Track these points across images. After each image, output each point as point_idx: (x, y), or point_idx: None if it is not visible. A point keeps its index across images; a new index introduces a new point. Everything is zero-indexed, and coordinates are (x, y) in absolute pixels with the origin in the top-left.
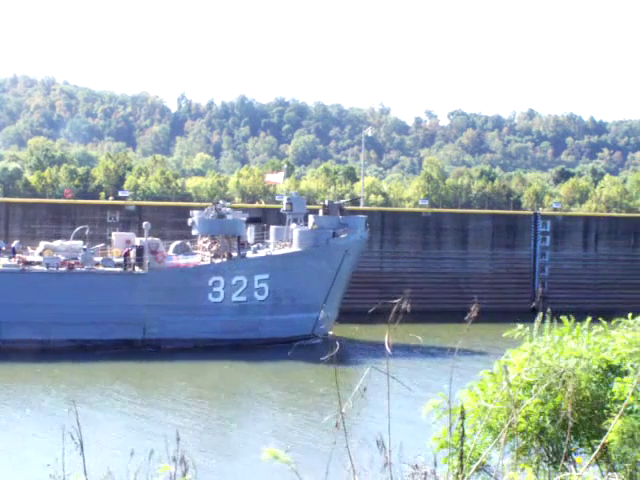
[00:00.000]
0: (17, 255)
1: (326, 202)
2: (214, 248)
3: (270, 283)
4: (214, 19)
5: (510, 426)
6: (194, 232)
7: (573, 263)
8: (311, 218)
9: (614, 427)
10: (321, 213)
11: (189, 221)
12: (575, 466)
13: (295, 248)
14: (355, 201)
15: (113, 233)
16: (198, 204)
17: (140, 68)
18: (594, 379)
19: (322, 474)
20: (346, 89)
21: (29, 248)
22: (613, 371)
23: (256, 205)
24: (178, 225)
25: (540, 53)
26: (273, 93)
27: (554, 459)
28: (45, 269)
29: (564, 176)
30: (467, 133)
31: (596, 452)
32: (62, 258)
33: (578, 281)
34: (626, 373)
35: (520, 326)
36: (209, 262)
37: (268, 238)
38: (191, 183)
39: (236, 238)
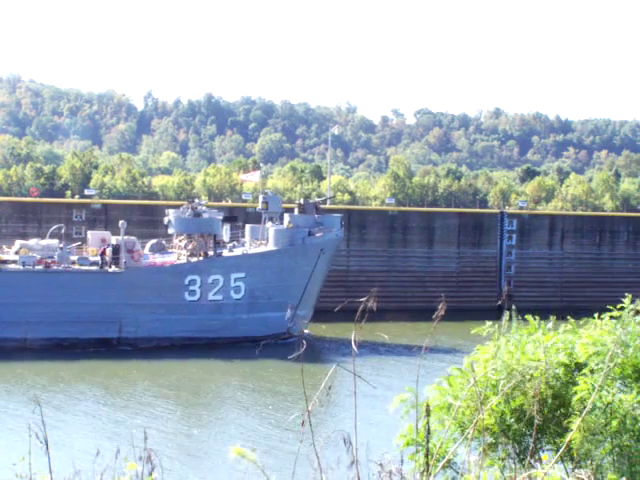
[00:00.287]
0: None
1: (302, 201)
2: (190, 247)
3: (246, 282)
4: (180, 17)
5: (477, 423)
6: (170, 231)
7: (539, 261)
8: (287, 217)
9: (577, 426)
10: (297, 212)
11: (165, 220)
12: (541, 463)
13: (271, 247)
14: (331, 200)
15: (88, 232)
16: (165, 202)
17: (106, 66)
18: (559, 377)
19: (289, 473)
20: (313, 88)
21: (4, 247)
22: (579, 369)
23: (230, 204)
24: (144, 223)
25: (506, 52)
26: (240, 92)
27: (520, 456)
28: (21, 268)
29: (530, 175)
30: (433, 132)
31: (562, 450)
32: (38, 257)
33: (544, 279)
34: (591, 372)
35: (489, 323)
36: (185, 261)
37: (243, 237)
38: (158, 181)
39: (212, 237)
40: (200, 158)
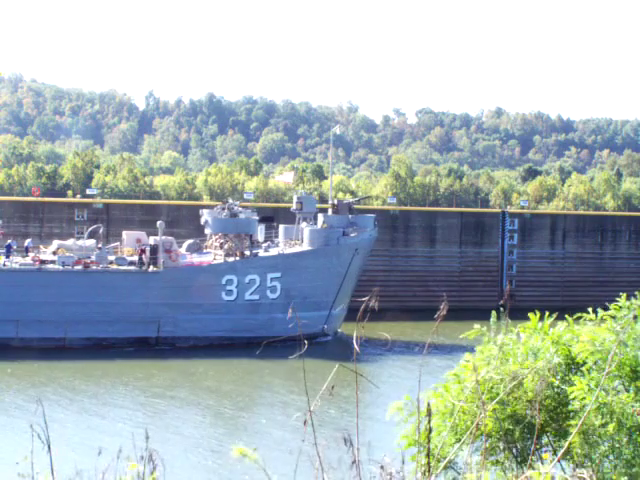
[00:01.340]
0: (29, 254)
1: (335, 201)
2: (226, 247)
3: (282, 282)
4: (182, 17)
5: (477, 425)
6: (207, 231)
7: (540, 261)
8: (321, 217)
9: (575, 426)
10: (330, 212)
11: (202, 220)
12: (542, 463)
13: (306, 247)
14: (364, 201)
15: (124, 232)
16: (167, 202)
17: (108, 66)
18: (557, 377)
19: (290, 472)
20: (314, 87)
21: (41, 247)
22: (576, 369)
23: (263, 204)
24: (146, 223)
25: (508, 52)
26: (241, 91)
27: (519, 458)
28: (61, 268)
29: (532, 174)
30: (435, 131)
31: (563, 449)
32: (75, 257)
33: (545, 279)
34: (588, 371)
35: (477, 326)
36: (222, 261)
37: (277, 237)
38: (159, 181)
39: (249, 237)
40: (202, 158)
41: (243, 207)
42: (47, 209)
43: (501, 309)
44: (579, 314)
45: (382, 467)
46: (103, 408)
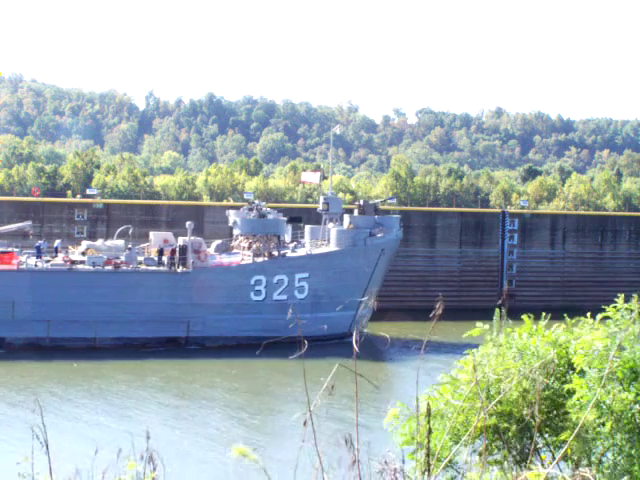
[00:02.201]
0: (59, 254)
1: (361, 202)
2: (254, 247)
3: (310, 282)
4: (182, 17)
5: (477, 424)
6: (235, 232)
7: (541, 261)
8: (347, 218)
9: (572, 426)
10: (356, 213)
11: (230, 221)
12: (542, 463)
13: (333, 247)
14: (391, 201)
15: (151, 232)
16: (167, 202)
17: (108, 66)
18: (556, 377)
19: (290, 472)
20: (314, 87)
21: (70, 247)
22: (573, 369)
23: (289, 205)
24: (146, 223)
25: (508, 52)
26: (241, 91)
27: (519, 457)
28: (91, 268)
29: (532, 174)
30: (435, 131)
31: (564, 449)
32: (104, 257)
33: (545, 279)
34: (583, 372)
35: (479, 324)
36: (251, 261)
37: (302, 237)
38: (159, 181)
39: (277, 237)
40: (202, 158)
41: (271, 208)
42: (47, 209)
43: (502, 309)
44: (578, 318)
45: (386, 462)
46: (119, 407)
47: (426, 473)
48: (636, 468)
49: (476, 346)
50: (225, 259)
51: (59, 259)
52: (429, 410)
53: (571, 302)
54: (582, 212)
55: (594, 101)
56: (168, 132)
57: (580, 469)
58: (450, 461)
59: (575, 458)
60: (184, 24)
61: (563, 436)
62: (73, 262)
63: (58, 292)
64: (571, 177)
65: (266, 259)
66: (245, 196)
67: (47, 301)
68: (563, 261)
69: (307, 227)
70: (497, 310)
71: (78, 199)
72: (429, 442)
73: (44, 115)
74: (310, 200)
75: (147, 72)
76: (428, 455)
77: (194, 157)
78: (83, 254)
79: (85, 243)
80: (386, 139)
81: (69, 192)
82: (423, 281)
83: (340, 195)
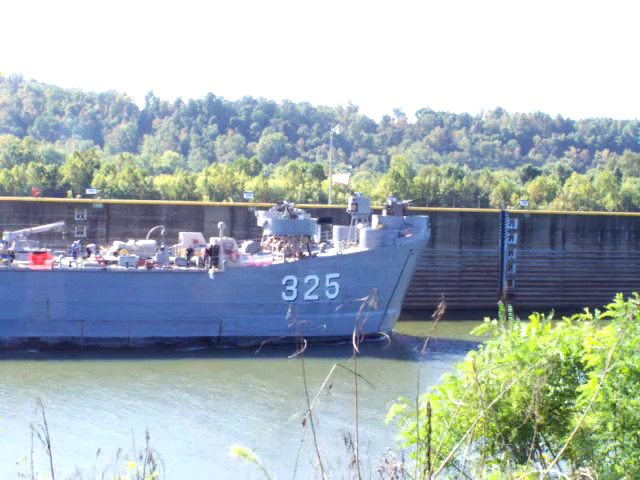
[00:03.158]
0: (91, 254)
1: (390, 202)
2: (284, 248)
3: (340, 282)
4: (181, 17)
5: (477, 423)
6: (266, 232)
7: (540, 261)
8: (375, 218)
9: (577, 425)
10: (384, 213)
11: (259, 221)
12: (542, 463)
13: (362, 248)
14: (416, 202)
15: (180, 233)
16: (167, 202)
17: (108, 66)
18: (562, 375)
19: (290, 472)
20: (314, 87)
21: (101, 247)
22: (580, 368)
23: (317, 206)
24: (146, 223)
25: (508, 52)
26: (241, 91)
27: (521, 455)
28: (125, 268)
29: (531, 174)
30: (435, 131)
31: (564, 448)
32: (137, 258)
33: (545, 279)
34: (591, 370)
35: (486, 319)
36: (282, 261)
37: (331, 237)
38: (159, 181)
39: (308, 238)
40: (201, 157)
41: (302, 208)
42: (47, 209)
43: (506, 304)
44: (576, 315)
45: (383, 467)
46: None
47: (427, 472)
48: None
49: (477, 347)
50: (257, 259)
51: (92, 259)
52: (429, 410)
53: (571, 302)
54: (582, 212)
55: (594, 101)
56: (168, 132)
57: (580, 468)
58: (451, 460)
59: (578, 458)
60: (184, 24)
61: (565, 438)
62: (106, 262)
63: (92, 292)
64: (571, 177)
65: (297, 259)
66: (245, 196)
67: (81, 301)
68: (563, 261)
69: (335, 227)
70: (502, 305)
71: (78, 199)
72: (430, 441)
73: (44, 115)
74: (310, 200)
75: (147, 72)
76: (429, 454)
77: (194, 157)
78: (115, 254)
79: (117, 243)
80: (386, 139)
81: (69, 192)
82: (423, 281)
83: (340, 195)
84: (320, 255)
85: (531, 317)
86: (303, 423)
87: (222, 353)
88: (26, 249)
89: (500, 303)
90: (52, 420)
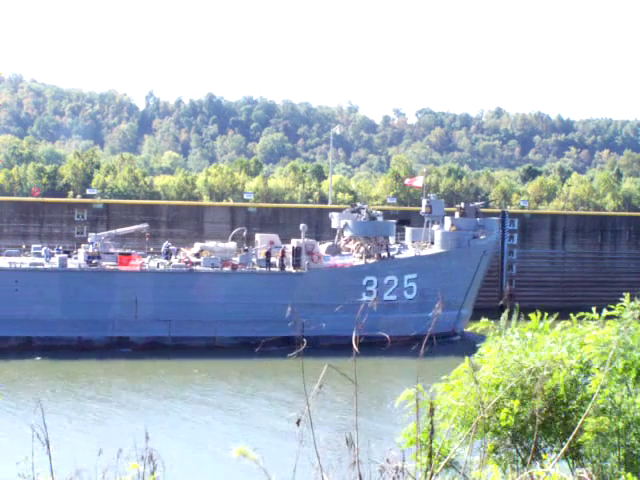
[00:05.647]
0: (176, 256)
1: (463, 205)
2: (363, 249)
3: (418, 282)
4: (182, 17)
5: (476, 425)
6: (346, 234)
7: (540, 261)
8: (448, 220)
9: (587, 426)
10: (457, 215)
11: (334, 223)
12: (542, 462)
13: (437, 249)
14: (485, 205)
15: (257, 234)
16: (167, 202)
17: (108, 66)
18: (568, 377)
19: (290, 472)
20: (314, 87)
21: (182, 249)
22: (587, 369)
23: (393, 207)
24: (147, 223)
25: (508, 52)
26: (241, 91)
27: (523, 455)
28: (210, 269)
29: (531, 174)
30: (435, 131)
31: (564, 449)
32: (219, 259)
33: (545, 279)
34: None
35: (484, 320)
36: (362, 262)
37: (403, 239)
38: (159, 181)
39: (387, 239)
40: (202, 158)
41: (381, 210)
42: (47, 209)
43: (504, 309)
44: (582, 313)
45: (388, 460)
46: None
47: (428, 472)
48: None
49: (477, 348)
50: (339, 261)
51: (176, 260)
52: (432, 410)
53: (571, 302)
54: (582, 212)
55: (594, 101)
56: (168, 132)
57: (577, 470)
58: (451, 460)
59: (580, 459)
60: (184, 24)
61: (569, 436)
62: (192, 263)
63: (179, 292)
64: (571, 177)
65: (376, 260)
66: (245, 196)
67: (168, 301)
68: (563, 261)
69: (408, 229)
70: (506, 312)
71: (78, 199)
72: (431, 441)
73: (44, 115)
74: (310, 201)
75: (147, 72)
76: (430, 455)
77: (194, 157)
78: (197, 256)
79: (198, 245)
80: (386, 139)
81: (69, 192)
82: None
83: (340, 195)
84: (397, 256)
85: (531, 316)
86: (297, 423)
87: (304, 352)
88: (111, 250)
89: (501, 303)
90: (151, 419)
